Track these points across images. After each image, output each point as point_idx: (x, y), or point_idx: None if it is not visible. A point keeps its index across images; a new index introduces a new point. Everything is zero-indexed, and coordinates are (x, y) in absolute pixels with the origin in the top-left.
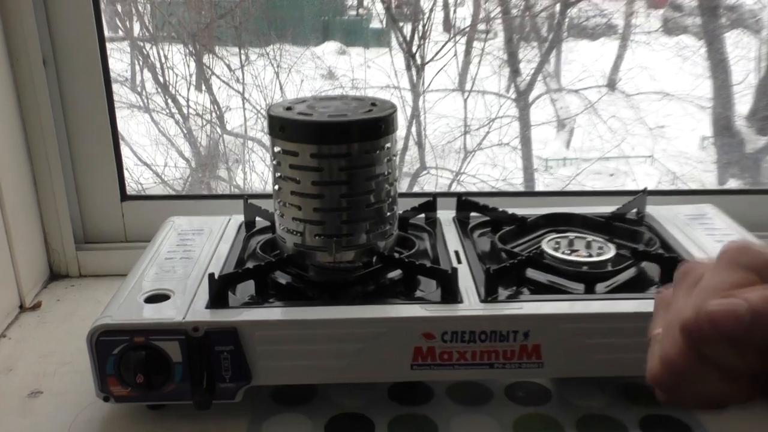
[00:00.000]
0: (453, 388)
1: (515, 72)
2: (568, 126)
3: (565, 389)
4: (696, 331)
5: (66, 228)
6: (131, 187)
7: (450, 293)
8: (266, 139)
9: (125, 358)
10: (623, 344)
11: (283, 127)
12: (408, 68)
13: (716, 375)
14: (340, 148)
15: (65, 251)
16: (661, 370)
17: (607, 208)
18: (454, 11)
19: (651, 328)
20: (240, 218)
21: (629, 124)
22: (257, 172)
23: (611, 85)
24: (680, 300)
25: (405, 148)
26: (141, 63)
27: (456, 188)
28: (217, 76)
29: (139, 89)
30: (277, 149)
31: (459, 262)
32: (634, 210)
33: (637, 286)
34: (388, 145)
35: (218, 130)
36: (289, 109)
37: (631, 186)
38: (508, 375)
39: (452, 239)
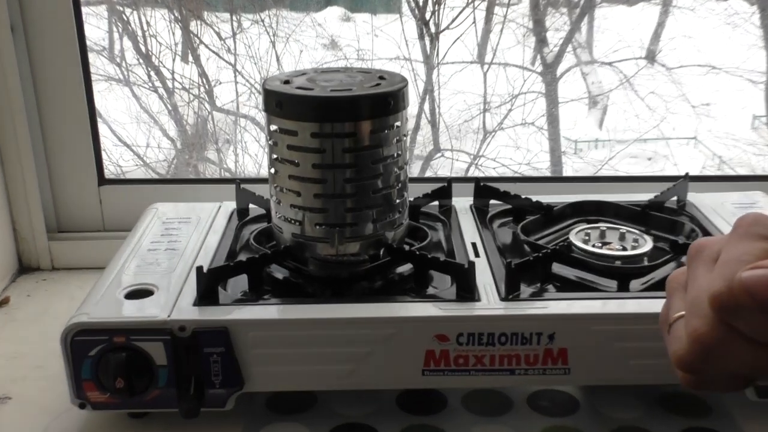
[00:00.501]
0: (469, 396)
1: (541, 42)
2: (600, 103)
3: (594, 399)
4: (730, 303)
5: (36, 215)
6: (110, 170)
7: (466, 290)
8: (261, 117)
9: (103, 361)
10: (661, 349)
11: (281, 102)
12: (420, 37)
13: (746, 347)
14: (344, 127)
15: (36, 241)
16: (690, 349)
17: (643, 196)
18: None
19: (668, 313)
20: (231, 205)
21: (670, 101)
22: (250, 154)
23: (650, 56)
24: (701, 277)
25: (417, 127)
26: (120, 30)
27: (474, 173)
28: (206, 46)
29: (118, 60)
30: (273, 128)
31: (477, 255)
32: (674, 198)
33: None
34: (398, 123)
35: (207, 106)
36: (287, 82)
37: (671, 171)
38: (531, 382)
39: (469, 230)
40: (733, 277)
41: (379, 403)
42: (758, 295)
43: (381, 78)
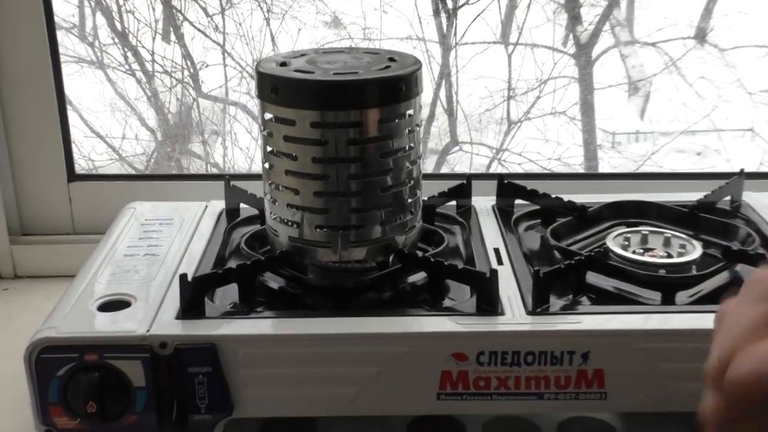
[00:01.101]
0: (490, 424)
1: (575, 19)
2: (642, 90)
3: (635, 428)
4: (723, 389)
5: None
6: (80, 165)
7: (488, 302)
8: (253, 105)
9: (73, 382)
10: None
11: (276, 87)
12: (436, 13)
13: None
14: (348, 116)
15: None
16: (704, 422)
17: (691, 195)
18: None
19: (710, 353)
20: (220, 205)
21: (723, 87)
22: (241, 147)
23: (700, 36)
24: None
25: (431, 117)
26: (93, 5)
27: (496, 169)
28: (191, 23)
29: (90, 39)
30: (268, 116)
31: (500, 262)
32: (727, 198)
33: (730, 295)
34: (411, 112)
35: (191, 92)
36: (283, 64)
37: (723, 168)
38: (562, 408)
39: (491, 234)
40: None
41: (389, 431)
42: (752, 396)
43: (391, 60)
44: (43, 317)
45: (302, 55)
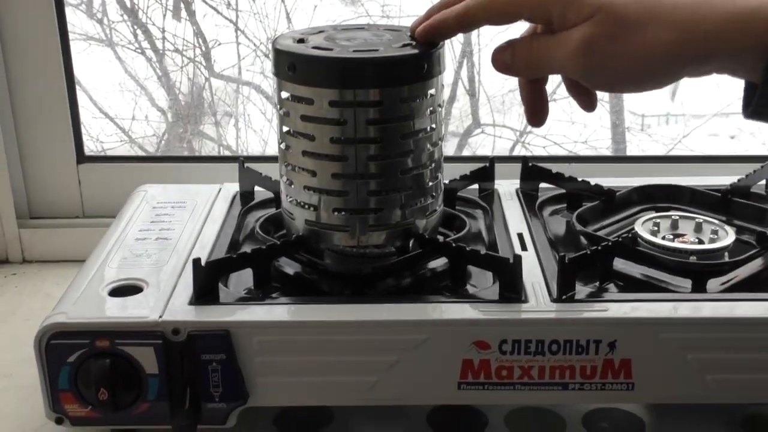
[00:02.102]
0: (513, 415)
1: None
2: None
3: (663, 420)
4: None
5: (5, 199)
6: (89, 147)
7: (511, 289)
8: (267, 85)
9: (84, 368)
10: (744, 361)
11: (294, 65)
12: None
13: None
14: (368, 94)
15: (4, 230)
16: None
17: (724, 179)
18: None
19: None
20: (234, 187)
21: None
22: (255, 129)
23: None
24: None
25: (452, 98)
26: None
27: (520, 152)
28: (203, 0)
29: (98, 16)
30: (284, 95)
31: (524, 248)
32: (762, 182)
33: (764, 283)
34: (432, 91)
35: (203, 71)
36: (301, 41)
37: (759, 152)
38: (588, 399)
39: (515, 218)
40: None
41: (407, 421)
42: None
43: (412, 37)
44: (52, 302)
45: (320, 31)
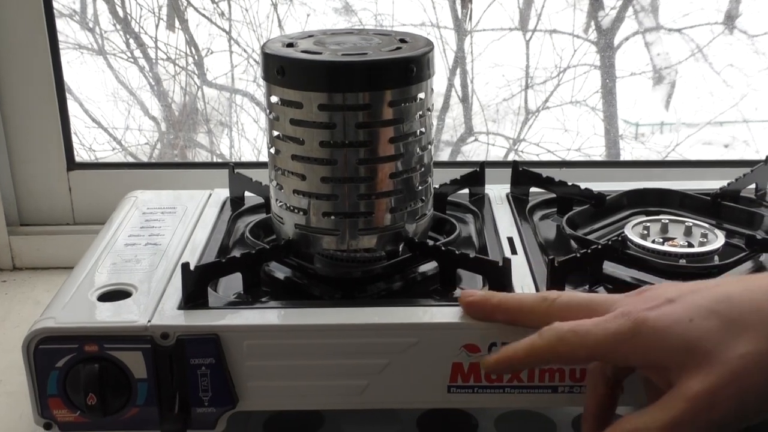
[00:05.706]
0: (503, 418)
1: (596, 3)
2: (667, 78)
3: None
4: None
5: None
6: (81, 157)
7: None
8: (259, 94)
9: (73, 373)
10: None
11: (282, 68)
12: None
13: None
14: (357, 98)
15: None
16: None
17: (714, 183)
18: None
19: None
20: (224, 193)
21: (752, 75)
22: (248, 138)
23: (729, 21)
24: None
25: (446, 107)
26: None
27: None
28: (195, 9)
29: (91, 25)
30: (274, 99)
31: (513, 252)
32: (752, 185)
33: None
34: (422, 95)
35: (196, 80)
36: (290, 45)
37: (751, 158)
38: (578, 401)
39: (505, 222)
40: None
41: (398, 425)
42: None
43: (402, 41)
44: (42, 309)
45: (310, 36)
